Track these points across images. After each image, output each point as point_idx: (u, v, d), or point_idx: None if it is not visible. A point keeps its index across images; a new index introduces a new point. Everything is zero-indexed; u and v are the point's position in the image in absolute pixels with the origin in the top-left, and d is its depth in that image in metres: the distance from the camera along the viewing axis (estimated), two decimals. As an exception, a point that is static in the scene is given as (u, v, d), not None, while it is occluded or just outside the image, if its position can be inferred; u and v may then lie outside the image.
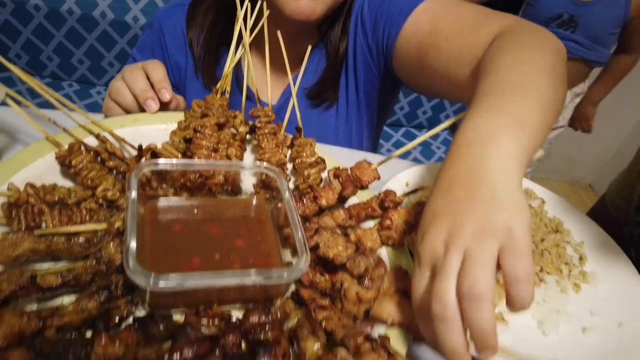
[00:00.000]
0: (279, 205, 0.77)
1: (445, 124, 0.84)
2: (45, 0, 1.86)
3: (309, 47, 0.95)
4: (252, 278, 0.61)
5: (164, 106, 0.90)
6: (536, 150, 0.63)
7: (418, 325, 0.57)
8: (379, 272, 0.68)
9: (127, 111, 0.91)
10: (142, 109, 0.89)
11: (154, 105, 0.87)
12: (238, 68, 1.09)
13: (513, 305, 0.52)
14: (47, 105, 0.81)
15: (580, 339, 0.77)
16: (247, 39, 0.89)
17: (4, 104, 0.82)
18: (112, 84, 0.91)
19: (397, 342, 0.63)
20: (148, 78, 0.91)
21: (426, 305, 0.53)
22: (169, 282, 0.57)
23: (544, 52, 0.75)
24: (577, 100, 2.53)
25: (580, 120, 2.56)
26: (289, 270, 0.63)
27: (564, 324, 0.78)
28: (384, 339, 0.61)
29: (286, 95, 1.14)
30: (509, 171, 0.57)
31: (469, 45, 0.87)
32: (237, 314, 0.65)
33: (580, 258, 0.88)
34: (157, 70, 0.91)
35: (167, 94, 0.89)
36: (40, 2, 1.86)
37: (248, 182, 0.84)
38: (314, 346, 0.60)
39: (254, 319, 0.63)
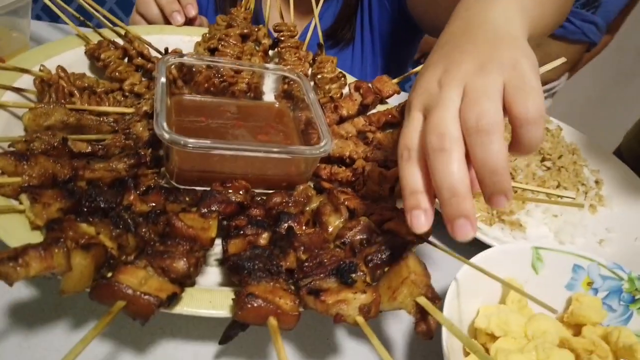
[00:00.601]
0: (300, 113, 0.78)
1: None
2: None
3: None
4: (276, 150, 0.62)
5: (189, 23, 0.92)
6: (541, 24, 0.59)
7: (400, 175, 0.47)
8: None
9: (153, 24, 0.92)
10: (167, 23, 0.90)
11: (179, 18, 0.89)
12: (259, 2, 1.11)
13: (521, 148, 0.44)
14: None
15: (597, 249, 0.77)
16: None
17: (38, 17, 0.85)
18: (138, -2, 0.93)
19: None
20: None
21: (416, 145, 0.46)
22: (199, 142, 0.58)
23: None
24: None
25: None
26: (311, 148, 0.64)
27: (580, 237, 0.79)
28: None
29: (306, 31, 1.16)
30: (512, 20, 0.51)
31: None
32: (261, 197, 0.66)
33: (597, 182, 0.88)
34: None
35: (192, 10, 0.90)
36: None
37: (270, 93, 0.86)
38: (336, 221, 0.61)
39: (277, 199, 0.64)
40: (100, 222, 0.48)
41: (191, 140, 0.58)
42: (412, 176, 0.45)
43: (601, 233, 0.80)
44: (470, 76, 0.45)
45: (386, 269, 0.52)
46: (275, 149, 0.63)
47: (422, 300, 0.46)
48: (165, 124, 0.58)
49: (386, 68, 1.21)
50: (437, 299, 0.47)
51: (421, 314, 0.47)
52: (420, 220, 0.44)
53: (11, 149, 0.58)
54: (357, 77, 1.19)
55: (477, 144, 0.42)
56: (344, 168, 0.73)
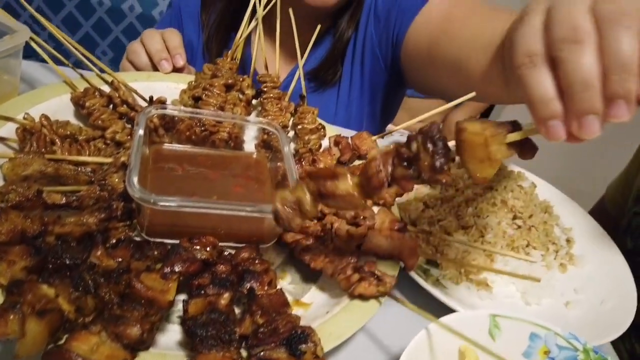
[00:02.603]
0: (278, 164, 0.80)
1: (448, 105, 0.88)
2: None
3: (318, 26, 1.00)
4: (246, 209, 0.64)
5: (178, 71, 0.95)
6: None
7: (525, 84, 0.44)
8: (368, 213, 0.71)
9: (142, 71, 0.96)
10: (156, 70, 0.94)
11: (167, 65, 0.92)
12: (248, 47, 1.14)
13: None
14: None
15: (562, 312, 0.78)
16: (260, 11, 0.94)
17: (28, 55, 0.88)
18: (129, 45, 0.97)
19: (389, 271, 0.66)
20: (165, 44, 0.96)
21: (540, 49, 0.44)
22: (168, 201, 0.60)
23: None
24: None
25: None
26: (281, 207, 0.66)
27: (548, 298, 0.80)
28: (371, 265, 0.63)
29: (291, 77, 1.19)
30: None
31: (485, 30, 0.87)
32: (229, 252, 0.68)
33: (568, 240, 0.90)
34: (174, 37, 0.97)
35: (180, 60, 0.94)
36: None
37: (251, 142, 0.88)
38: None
39: (245, 255, 0.66)
40: (60, 283, 0.50)
41: (160, 199, 0.60)
42: (542, 83, 0.43)
43: (569, 294, 0.81)
44: None
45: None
46: (245, 208, 0.64)
47: (511, 137, 0.46)
48: (136, 181, 0.60)
49: (372, 113, 1.23)
50: (517, 126, 0.47)
51: (519, 146, 0.47)
52: (559, 130, 0.43)
53: (-13, 199, 0.60)
54: (342, 118, 1.22)
55: (611, 37, 0.40)
56: (315, 222, 0.74)
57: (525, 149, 0.47)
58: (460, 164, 0.50)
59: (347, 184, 0.55)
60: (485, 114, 2.68)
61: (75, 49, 0.83)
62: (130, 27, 2.07)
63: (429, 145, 0.48)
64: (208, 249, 0.63)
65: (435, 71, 1.02)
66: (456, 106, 0.91)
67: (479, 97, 0.81)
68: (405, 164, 0.51)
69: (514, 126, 0.47)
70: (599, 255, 0.89)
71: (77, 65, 0.84)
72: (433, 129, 0.49)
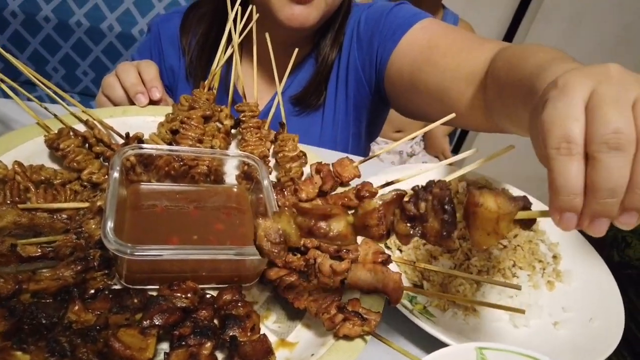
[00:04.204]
0: (260, 195, 0.79)
1: (425, 129, 0.88)
2: (55, 12, 1.93)
3: (296, 50, 0.99)
4: (226, 253, 0.63)
5: (154, 104, 0.94)
6: None
7: (555, 171, 0.43)
8: (352, 245, 0.70)
9: (118, 105, 0.94)
10: (132, 104, 0.92)
11: (143, 99, 0.91)
12: (227, 72, 1.13)
13: None
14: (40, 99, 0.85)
15: (551, 332, 0.78)
16: (236, 38, 0.93)
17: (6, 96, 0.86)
18: (104, 79, 0.96)
19: (373, 306, 0.66)
20: (140, 76, 0.95)
21: (580, 139, 0.42)
22: (145, 252, 0.59)
23: None
24: None
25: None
26: (261, 248, 0.65)
27: (536, 319, 0.80)
28: (355, 304, 0.62)
29: (271, 103, 1.18)
30: None
31: (468, 59, 0.89)
32: (211, 294, 0.67)
33: (555, 257, 0.90)
34: (150, 69, 0.95)
35: (157, 93, 0.93)
36: (50, 13, 1.93)
37: (231, 174, 0.87)
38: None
39: (227, 297, 0.65)
40: (36, 348, 0.49)
41: (137, 249, 0.59)
42: (573, 176, 0.42)
43: (557, 314, 0.81)
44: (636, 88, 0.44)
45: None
46: (225, 252, 0.64)
47: (522, 215, 0.47)
48: (111, 232, 0.59)
49: (357, 133, 1.23)
50: (528, 203, 0.47)
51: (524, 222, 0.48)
52: (572, 223, 0.44)
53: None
54: (328, 140, 1.22)
55: None
56: (298, 256, 0.74)
57: (528, 224, 0.47)
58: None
59: (341, 225, 0.54)
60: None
61: (46, 86, 0.82)
62: (110, 47, 2.05)
63: (440, 211, 0.48)
64: (189, 295, 0.62)
65: (418, 97, 1.03)
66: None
67: (461, 124, 0.81)
68: (408, 221, 0.51)
69: (525, 202, 0.47)
70: (586, 270, 0.89)
71: (45, 99, 0.83)
72: (445, 195, 0.48)
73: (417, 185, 0.51)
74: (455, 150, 3.14)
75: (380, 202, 0.52)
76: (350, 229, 0.55)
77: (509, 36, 2.90)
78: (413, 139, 2.30)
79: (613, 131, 0.41)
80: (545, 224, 0.95)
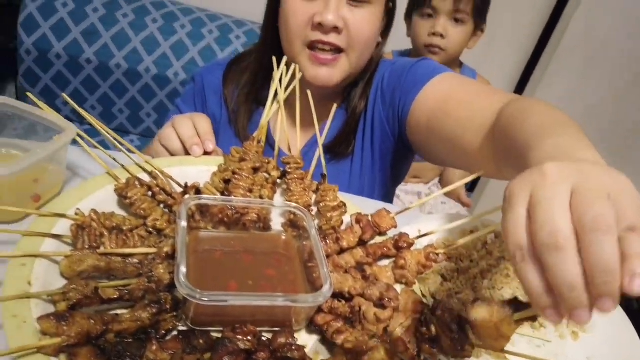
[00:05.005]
0: (305, 243, 0.86)
1: (459, 182, 0.95)
2: (97, 54, 2.07)
3: (334, 106, 1.08)
4: (284, 300, 0.70)
5: (207, 155, 1.02)
6: None
7: (520, 276, 0.47)
8: (393, 294, 0.77)
9: (174, 155, 1.03)
10: (187, 154, 1.01)
11: (198, 150, 1.00)
12: (274, 126, 1.22)
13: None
14: (105, 146, 0.94)
15: (577, 381, 0.83)
16: (282, 95, 1.02)
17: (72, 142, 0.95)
18: (162, 131, 1.05)
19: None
20: (195, 128, 1.04)
21: (527, 243, 0.46)
22: (212, 297, 0.66)
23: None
24: None
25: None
26: (314, 295, 0.72)
27: (562, 367, 0.85)
28: None
29: (307, 147, 1.26)
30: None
31: (480, 109, 0.96)
32: (266, 336, 0.73)
33: (579, 307, 0.95)
34: (204, 122, 1.05)
35: (210, 145, 1.01)
36: (92, 56, 2.07)
37: (277, 221, 0.95)
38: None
39: (282, 340, 0.72)
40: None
41: (205, 294, 0.66)
42: (533, 278, 0.45)
43: (582, 362, 0.86)
44: (577, 177, 0.46)
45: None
46: (282, 299, 0.71)
47: (518, 316, 0.52)
48: (183, 278, 0.66)
49: (383, 180, 1.31)
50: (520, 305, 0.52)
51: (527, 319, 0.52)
52: (555, 318, 0.46)
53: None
54: (355, 190, 1.30)
55: (591, 241, 0.42)
56: (343, 302, 0.80)
57: (532, 319, 0.53)
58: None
59: (380, 356, 0.64)
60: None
61: (115, 139, 0.90)
62: (146, 87, 2.17)
63: (447, 331, 0.57)
64: (249, 337, 0.69)
65: (435, 145, 1.11)
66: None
67: (476, 173, 0.88)
68: (427, 343, 0.60)
69: (516, 304, 0.52)
70: (607, 320, 0.94)
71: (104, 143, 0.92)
72: (446, 316, 0.58)
73: (428, 306, 0.63)
74: (471, 189, 3.20)
75: (402, 331, 0.63)
76: (387, 355, 0.64)
77: (522, 83, 2.99)
78: (431, 181, 2.41)
79: (548, 233, 0.44)
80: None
